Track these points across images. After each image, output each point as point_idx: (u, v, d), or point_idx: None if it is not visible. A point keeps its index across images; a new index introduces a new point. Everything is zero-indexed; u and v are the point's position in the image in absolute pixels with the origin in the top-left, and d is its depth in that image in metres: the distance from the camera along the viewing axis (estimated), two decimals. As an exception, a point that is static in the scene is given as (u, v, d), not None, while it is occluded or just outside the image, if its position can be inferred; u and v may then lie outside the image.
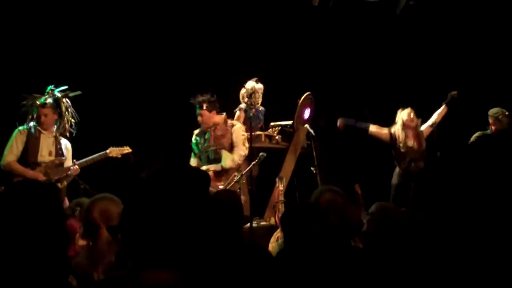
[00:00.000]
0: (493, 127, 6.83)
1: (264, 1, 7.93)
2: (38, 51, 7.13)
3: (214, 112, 6.27)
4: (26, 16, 7.12)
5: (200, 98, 6.22)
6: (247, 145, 6.24)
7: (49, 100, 5.71)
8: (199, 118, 6.27)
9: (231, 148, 6.25)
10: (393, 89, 8.34)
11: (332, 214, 3.46)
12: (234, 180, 5.86)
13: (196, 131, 6.42)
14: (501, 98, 7.67)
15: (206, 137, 6.30)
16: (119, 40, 7.56)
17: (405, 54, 8.39)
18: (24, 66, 6.95)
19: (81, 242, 3.49)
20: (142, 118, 7.56)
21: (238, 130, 6.33)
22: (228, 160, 6.18)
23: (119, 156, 6.06)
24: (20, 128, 5.68)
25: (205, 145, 6.29)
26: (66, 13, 7.28)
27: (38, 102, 5.67)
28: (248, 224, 5.72)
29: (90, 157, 5.94)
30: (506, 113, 6.80)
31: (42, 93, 5.81)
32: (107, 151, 6.02)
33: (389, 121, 7.08)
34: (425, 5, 8.00)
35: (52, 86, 5.80)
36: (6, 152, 5.62)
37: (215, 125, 6.28)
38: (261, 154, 5.93)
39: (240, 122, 6.68)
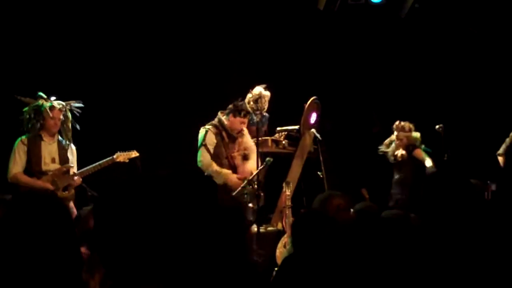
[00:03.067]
0: None
1: (270, 6, 7.94)
2: (41, 55, 7.14)
3: None
4: (31, 21, 7.15)
5: (244, 105, 6.16)
6: None
7: (58, 105, 5.62)
8: (243, 126, 6.16)
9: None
10: (399, 92, 8.34)
11: (338, 219, 3.48)
12: (241, 186, 5.86)
13: (211, 129, 6.10)
14: (509, 100, 7.66)
15: (232, 143, 6.16)
16: (123, 45, 7.58)
17: (411, 57, 8.38)
18: (27, 71, 6.94)
19: (83, 250, 3.52)
20: (145, 124, 7.56)
21: (249, 136, 6.35)
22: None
23: (127, 160, 5.94)
24: (21, 138, 5.57)
25: (233, 150, 6.15)
26: (74, 17, 7.31)
27: (46, 106, 5.56)
28: (255, 230, 5.72)
29: (95, 164, 5.83)
30: None
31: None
32: (114, 156, 5.91)
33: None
34: (430, 8, 7.98)
35: (40, 93, 5.67)
36: (10, 164, 5.52)
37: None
38: (267, 159, 5.92)
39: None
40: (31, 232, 1.75)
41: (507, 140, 6.90)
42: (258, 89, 6.59)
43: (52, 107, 5.57)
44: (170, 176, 1.89)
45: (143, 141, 6.82)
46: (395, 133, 6.91)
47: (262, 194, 5.91)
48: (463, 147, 7.09)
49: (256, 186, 5.83)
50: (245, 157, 6.19)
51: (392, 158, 6.91)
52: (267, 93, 6.62)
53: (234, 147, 6.17)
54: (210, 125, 6.14)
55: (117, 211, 1.64)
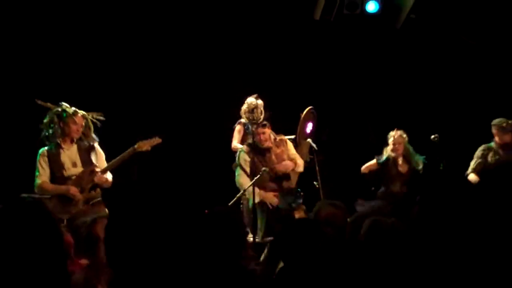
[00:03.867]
0: (497, 138, 6.80)
1: (266, 15, 7.96)
2: (56, 62, 7.23)
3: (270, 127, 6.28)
4: (44, 28, 7.20)
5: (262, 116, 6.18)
6: None
7: (80, 112, 5.60)
8: (261, 137, 6.15)
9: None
10: (394, 102, 8.36)
11: (332, 229, 3.47)
12: (237, 196, 5.86)
13: (244, 148, 6.27)
14: (503, 110, 7.68)
15: (267, 155, 6.18)
16: (122, 47, 7.61)
17: (407, 67, 8.41)
18: (43, 81, 7.00)
19: (83, 261, 3.51)
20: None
21: (291, 144, 6.43)
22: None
23: (149, 149, 5.66)
24: (40, 150, 5.56)
25: (268, 163, 6.13)
26: (90, 25, 7.39)
27: (70, 110, 5.55)
28: (252, 239, 5.71)
29: (117, 158, 5.64)
30: (510, 121, 6.78)
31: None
32: (135, 146, 5.63)
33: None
34: (426, 19, 8.02)
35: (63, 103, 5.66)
36: (36, 177, 5.55)
37: (274, 142, 6.24)
38: (263, 169, 5.93)
39: (240, 136, 6.70)
40: (15, 242, 1.74)
41: (477, 154, 6.81)
42: (252, 100, 6.63)
43: (75, 112, 5.56)
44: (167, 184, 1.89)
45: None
46: (391, 140, 6.88)
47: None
48: (458, 156, 7.09)
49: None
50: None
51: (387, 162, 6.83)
52: (261, 102, 6.66)
53: (272, 160, 6.17)
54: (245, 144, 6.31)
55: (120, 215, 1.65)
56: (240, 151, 6.24)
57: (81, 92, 6.49)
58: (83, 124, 5.61)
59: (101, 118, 5.72)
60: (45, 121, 5.61)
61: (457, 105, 8.26)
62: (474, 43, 8.04)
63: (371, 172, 6.88)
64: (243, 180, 6.10)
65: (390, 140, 6.86)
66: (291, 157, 6.29)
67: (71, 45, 7.38)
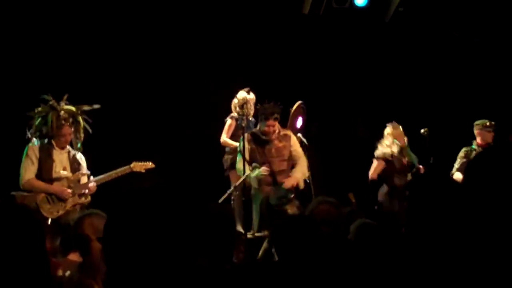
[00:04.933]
0: (478, 139, 6.82)
1: (254, 9, 7.93)
2: (50, 61, 7.13)
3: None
4: (42, 28, 7.12)
5: (275, 109, 5.98)
6: None
7: (70, 119, 5.51)
8: (270, 129, 5.96)
9: (289, 159, 6.09)
10: (384, 96, 8.37)
11: (326, 226, 3.46)
12: (228, 192, 5.84)
13: (247, 136, 6.04)
14: (491, 103, 7.72)
15: (267, 147, 6.00)
16: (117, 47, 7.55)
17: (395, 61, 8.42)
18: (37, 77, 6.90)
19: (72, 257, 3.48)
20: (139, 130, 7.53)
21: (296, 141, 6.22)
22: (304, 171, 6.09)
23: (143, 171, 5.84)
24: (30, 144, 5.44)
25: (267, 155, 6.00)
26: (83, 23, 7.30)
27: (61, 122, 5.45)
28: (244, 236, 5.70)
29: (111, 172, 5.71)
30: (492, 122, 6.81)
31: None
32: (131, 165, 5.79)
33: (380, 129, 7.06)
34: (414, 12, 8.03)
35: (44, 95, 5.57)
36: (22, 170, 5.39)
37: (277, 135, 6.06)
38: (254, 164, 5.91)
39: (230, 131, 6.65)
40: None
41: (460, 155, 6.81)
42: (243, 94, 6.59)
43: (60, 125, 5.44)
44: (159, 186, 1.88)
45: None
46: (390, 131, 6.75)
47: None
48: (448, 150, 7.11)
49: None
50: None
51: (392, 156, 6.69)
52: (252, 97, 6.62)
53: (271, 153, 6.03)
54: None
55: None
56: (241, 139, 6.06)
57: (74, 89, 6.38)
58: (71, 131, 5.53)
59: (95, 106, 5.65)
60: (40, 110, 5.48)
61: (447, 98, 8.28)
62: (460, 36, 8.06)
63: (379, 173, 6.75)
64: (241, 166, 5.94)
65: (389, 134, 6.75)
66: (294, 154, 6.09)
67: (64, 44, 7.29)
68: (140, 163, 5.85)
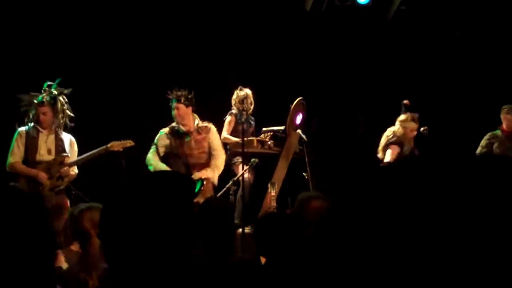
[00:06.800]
0: (504, 124, 6.71)
1: (256, 6, 7.93)
2: (35, 48, 7.11)
3: (191, 108, 6.05)
4: (23, 14, 7.10)
5: (178, 92, 6.01)
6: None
7: (47, 98, 5.64)
8: (175, 112, 5.98)
9: (209, 152, 6.09)
10: (384, 93, 8.36)
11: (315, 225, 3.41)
12: (226, 186, 5.84)
13: (166, 130, 6.08)
14: (494, 102, 7.70)
15: (186, 140, 6.00)
16: (113, 40, 7.55)
17: (397, 58, 8.41)
18: (21, 63, 6.92)
19: (74, 247, 3.48)
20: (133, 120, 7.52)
21: (216, 134, 6.20)
22: (221, 166, 6.08)
23: (121, 149, 5.79)
24: (19, 130, 5.65)
25: (185, 148, 6.00)
26: (66, 11, 7.27)
27: (35, 101, 5.62)
28: (240, 230, 5.70)
29: (88, 153, 5.77)
30: None
31: (39, 90, 5.72)
32: (108, 145, 5.76)
33: (381, 125, 7.05)
34: (416, 10, 8.02)
35: (48, 82, 5.71)
36: (9, 155, 5.64)
37: (196, 127, 6.07)
38: (252, 160, 5.92)
39: (231, 127, 6.66)
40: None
41: (482, 144, 6.79)
42: (243, 89, 6.61)
43: (41, 103, 5.61)
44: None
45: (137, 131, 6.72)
46: (404, 124, 6.64)
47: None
48: (448, 149, 7.11)
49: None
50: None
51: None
52: (250, 92, 6.64)
53: (190, 145, 6.02)
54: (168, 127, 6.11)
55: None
56: (160, 132, 6.08)
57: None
58: (51, 110, 5.62)
59: (69, 90, 5.72)
60: (21, 110, 5.65)
61: (448, 97, 8.27)
62: (462, 35, 8.05)
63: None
64: (151, 160, 5.97)
65: (403, 122, 6.67)
66: (213, 148, 6.08)
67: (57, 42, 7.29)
68: (118, 142, 5.80)
